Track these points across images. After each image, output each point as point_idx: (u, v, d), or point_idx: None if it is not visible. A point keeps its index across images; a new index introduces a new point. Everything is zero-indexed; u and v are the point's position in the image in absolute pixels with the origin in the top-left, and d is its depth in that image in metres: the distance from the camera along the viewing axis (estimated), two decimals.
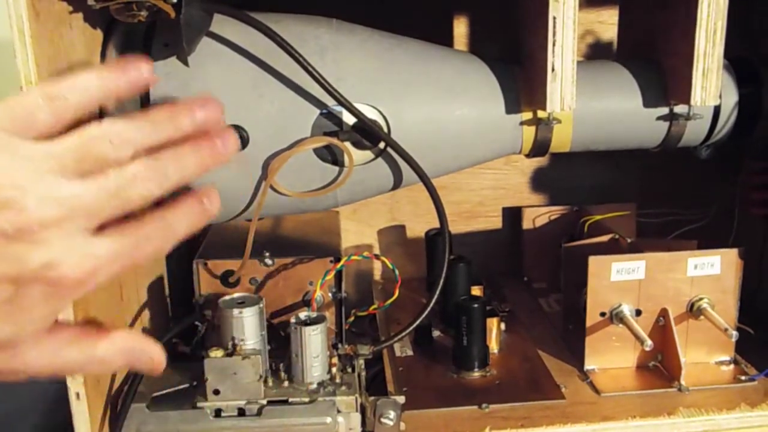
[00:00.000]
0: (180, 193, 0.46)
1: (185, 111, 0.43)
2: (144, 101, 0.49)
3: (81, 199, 0.38)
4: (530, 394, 0.58)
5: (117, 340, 0.43)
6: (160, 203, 0.45)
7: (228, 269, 0.61)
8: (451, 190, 0.80)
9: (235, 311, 0.52)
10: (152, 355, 0.45)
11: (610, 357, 0.61)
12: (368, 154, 0.53)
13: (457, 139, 0.55)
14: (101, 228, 0.39)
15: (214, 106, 0.45)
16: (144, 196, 0.40)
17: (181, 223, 0.44)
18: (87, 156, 0.39)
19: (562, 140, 0.57)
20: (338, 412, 0.51)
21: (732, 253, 0.59)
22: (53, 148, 0.38)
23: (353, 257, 0.61)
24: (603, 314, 0.60)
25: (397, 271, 0.61)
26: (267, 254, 0.61)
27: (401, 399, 0.52)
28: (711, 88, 0.53)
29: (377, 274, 0.82)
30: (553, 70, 0.52)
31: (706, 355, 0.61)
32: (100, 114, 0.49)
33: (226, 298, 0.54)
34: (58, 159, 0.38)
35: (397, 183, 0.55)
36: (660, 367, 0.61)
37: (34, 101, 0.38)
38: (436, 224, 0.57)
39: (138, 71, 0.41)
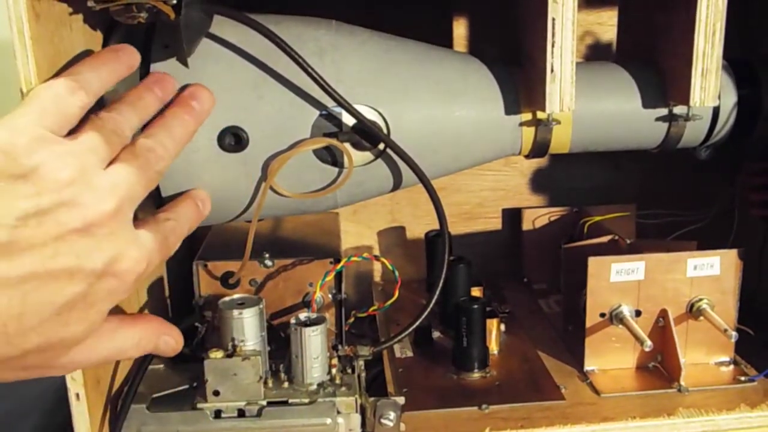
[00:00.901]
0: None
1: (146, 90, 0.45)
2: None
3: (122, 187, 0.38)
4: (530, 394, 0.58)
5: (148, 324, 0.44)
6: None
7: (228, 270, 0.61)
8: (451, 191, 0.80)
9: (235, 312, 0.52)
10: (175, 336, 0.46)
11: (610, 358, 0.61)
12: (368, 156, 0.53)
13: (457, 140, 0.55)
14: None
15: (167, 79, 0.46)
16: (159, 172, 0.42)
17: (183, 223, 0.46)
18: (118, 143, 0.40)
19: (561, 141, 0.57)
20: (338, 413, 0.51)
21: (732, 254, 0.59)
22: (91, 142, 0.38)
23: (353, 258, 0.61)
24: (603, 315, 0.60)
25: (396, 273, 0.61)
26: (267, 255, 0.61)
27: (401, 400, 0.52)
28: (710, 88, 0.53)
29: (377, 276, 0.82)
30: (552, 71, 0.52)
31: (705, 356, 0.61)
32: None
33: (226, 299, 0.54)
34: (98, 151, 0.38)
35: (397, 184, 0.55)
36: (660, 367, 0.61)
37: (65, 97, 0.38)
38: (436, 225, 0.57)
39: (129, 56, 0.44)
